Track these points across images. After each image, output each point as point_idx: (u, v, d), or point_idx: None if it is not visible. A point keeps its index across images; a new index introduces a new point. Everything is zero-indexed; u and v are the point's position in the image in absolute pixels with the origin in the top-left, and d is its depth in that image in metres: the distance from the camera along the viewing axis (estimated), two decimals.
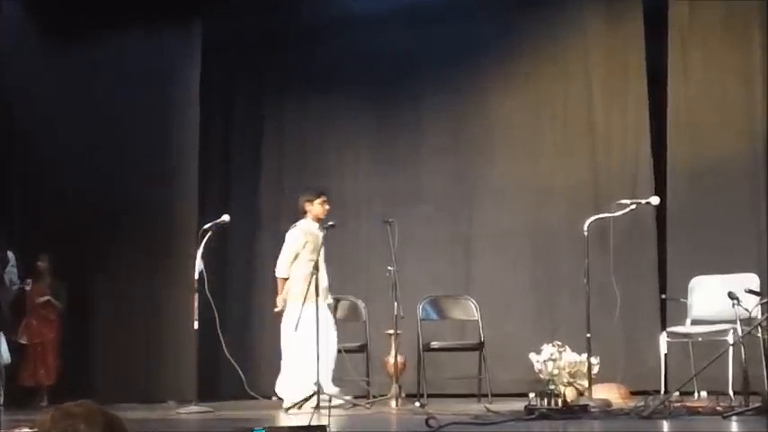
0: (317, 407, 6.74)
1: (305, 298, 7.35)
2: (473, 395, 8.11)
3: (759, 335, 6.62)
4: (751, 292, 6.58)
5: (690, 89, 8.57)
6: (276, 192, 10.01)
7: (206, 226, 7.79)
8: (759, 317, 6.41)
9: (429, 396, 7.77)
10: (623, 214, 6.80)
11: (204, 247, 7.64)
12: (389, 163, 9.72)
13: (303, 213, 7.93)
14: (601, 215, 6.83)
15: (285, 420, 6.46)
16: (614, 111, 8.93)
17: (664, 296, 7.95)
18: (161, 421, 6.84)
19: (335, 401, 7.08)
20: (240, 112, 10.39)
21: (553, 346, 7.36)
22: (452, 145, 9.51)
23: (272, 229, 9.97)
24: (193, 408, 7.41)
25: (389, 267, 7.56)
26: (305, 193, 8.00)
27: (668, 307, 7.93)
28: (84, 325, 9.99)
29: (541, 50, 9.26)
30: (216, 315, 7.45)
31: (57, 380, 9.63)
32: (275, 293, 7.85)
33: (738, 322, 6.52)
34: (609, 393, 7.09)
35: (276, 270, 7.85)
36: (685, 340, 7.22)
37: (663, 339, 7.14)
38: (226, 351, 7.62)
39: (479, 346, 8.24)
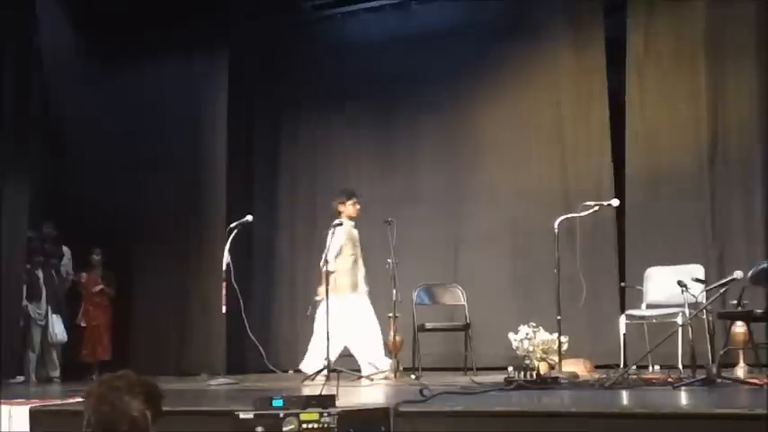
0: (328, 378, 6.79)
1: (350, 288, 7.41)
2: (460, 369, 8.11)
3: (704, 317, 6.68)
4: (697, 280, 6.62)
5: (645, 108, 8.58)
6: (291, 196, 10.05)
7: (232, 225, 7.79)
8: (704, 302, 6.44)
9: (423, 370, 7.78)
10: (588, 214, 6.81)
11: (231, 243, 7.63)
12: (389, 170, 9.69)
13: (337, 214, 7.77)
14: (569, 215, 6.84)
15: (301, 391, 6.48)
16: (581, 127, 8.92)
17: (623, 284, 7.92)
18: (194, 391, 6.93)
19: (387, 374, 7.21)
20: (261, 128, 10.38)
21: (528, 326, 7.42)
22: (444, 155, 9.50)
23: (287, 228, 10.04)
24: (222, 380, 7.42)
25: (389, 260, 7.59)
26: (338, 197, 7.91)
27: (627, 293, 7.91)
28: (129, 310, 10.04)
29: (520, 75, 9.26)
30: (241, 301, 7.43)
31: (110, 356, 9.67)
32: (318, 284, 7.64)
33: (686, 306, 6.51)
34: (576, 367, 7.13)
35: (322, 264, 7.49)
36: (641, 322, 7.21)
37: (622, 321, 7.14)
38: (249, 332, 7.62)
39: (466, 327, 8.28)
